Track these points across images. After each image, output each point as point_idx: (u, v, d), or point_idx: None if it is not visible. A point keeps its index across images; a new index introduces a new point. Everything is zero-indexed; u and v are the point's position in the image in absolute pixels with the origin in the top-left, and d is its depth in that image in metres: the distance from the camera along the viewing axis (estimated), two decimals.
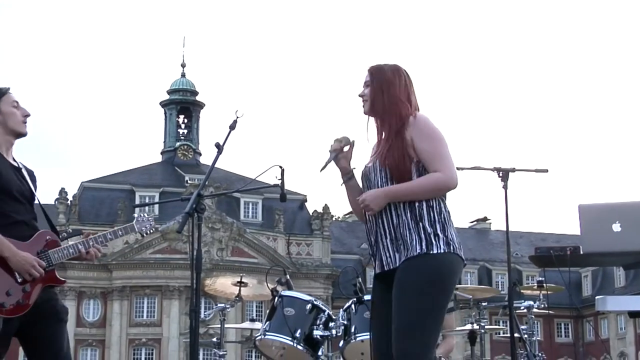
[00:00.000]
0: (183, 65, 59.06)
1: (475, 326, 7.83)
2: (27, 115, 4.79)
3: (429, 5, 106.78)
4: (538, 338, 8.30)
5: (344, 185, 4.32)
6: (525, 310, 8.16)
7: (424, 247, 4.05)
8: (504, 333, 9.53)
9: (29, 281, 4.54)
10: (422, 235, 4.07)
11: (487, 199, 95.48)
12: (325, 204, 53.74)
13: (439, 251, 4.05)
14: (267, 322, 5.96)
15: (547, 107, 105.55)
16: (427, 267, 4.03)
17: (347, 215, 62.46)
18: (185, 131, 57.89)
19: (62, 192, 50.20)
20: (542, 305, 8.24)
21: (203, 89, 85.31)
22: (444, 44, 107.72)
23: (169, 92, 58.40)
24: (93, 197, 51.07)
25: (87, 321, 48.89)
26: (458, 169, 5.48)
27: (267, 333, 5.89)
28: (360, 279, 6.08)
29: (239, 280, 7.13)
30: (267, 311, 6.19)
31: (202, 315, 4.86)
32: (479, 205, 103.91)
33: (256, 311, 44.62)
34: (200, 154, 57.23)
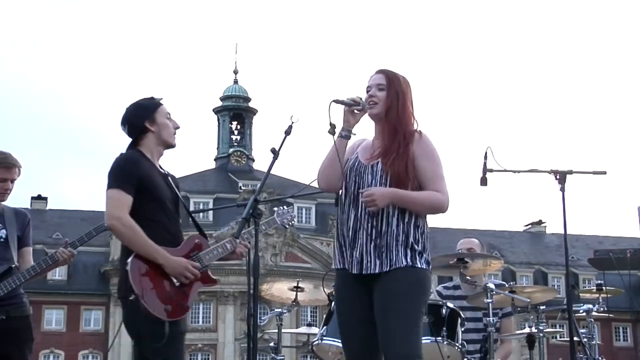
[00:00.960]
0: (235, 72, 59.50)
1: (534, 330, 7.75)
2: (177, 128, 4.92)
3: (483, 3, 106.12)
4: (597, 342, 8.20)
5: (336, 137, 4.27)
6: (584, 314, 8.06)
7: (409, 260, 4.17)
8: (561, 337, 9.42)
9: (186, 284, 4.66)
10: (408, 250, 4.19)
11: (542, 202, 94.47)
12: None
13: (422, 266, 4.19)
14: (324, 327, 5.96)
15: (605, 108, 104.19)
16: (415, 277, 4.17)
17: None
18: (239, 137, 58.25)
19: None
20: (602, 309, 8.13)
21: (255, 95, 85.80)
22: (501, 44, 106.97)
23: (222, 99, 58.83)
24: None
25: None
26: (514, 171, 5.48)
27: (324, 338, 5.89)
28: None
29: (295, 285, 7.14)
30: (324, 316, 6.20)
31: (258, 321, 4.88)
32: (534, 209, 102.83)
33: (311, 316, 44.67)
34: (253, 160, 57.52)
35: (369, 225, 4.18)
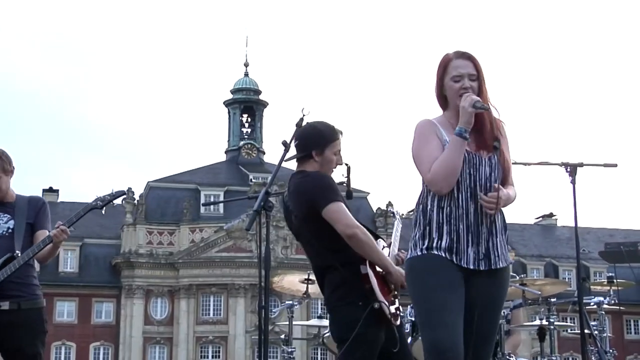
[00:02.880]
0: (246, 65, 59.50)
1: (545, 322, 7.75)
2: (340, 164, 4.92)
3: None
4: (608, 334, 8.19)
5: (462, 139, 3.94)
6: (595, 307, 8.05)
7: (509, 259, 4.15)
8: (572, 329, 9.40)
9: (398, 292, 4.73)
10: (505, 248, 4.13)
11: (553, 194, 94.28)
12: (389, 201, 53.59)
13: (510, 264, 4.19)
14: None
15: (616, 101, 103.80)
16: (508, 279, 4.18)
17: (411, 212, 62.06)
18: (249, 130, 58.28)
19: (129, 191, 50.88)
20: (613, 301, 8.12)
21: (266, 88, 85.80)
22: (511, 36, 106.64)
23: (233, 92, 58.86)
24: (159, 197, 51.72)
25: (155, 319, 49.52)
26: (525, 164, 5.45)
27: None
28: None
29: (306, 277, 7.14)
30: None
31: (269, 313, 4.88)
32: (545, 201, 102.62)
33: (321, 308, 44.70)
34: (264, 153, 57.55)
35: (489, 220, 4.01)
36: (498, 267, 4.02)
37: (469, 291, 3.99)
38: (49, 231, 5.37)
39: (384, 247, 4.83)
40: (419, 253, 4.03)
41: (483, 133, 4.06)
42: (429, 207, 4.07)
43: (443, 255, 3.98)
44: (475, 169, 4.02)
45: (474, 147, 4.05)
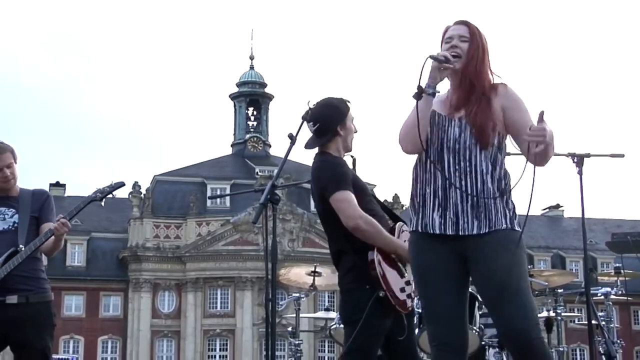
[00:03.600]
0: (252, 58, 59.47)
1: (552, 313, 7.74)
2: (356, 132, 4.95)
3: None
4: (616, 325, 8.18)
5: (423, 95, 3.82)
6: (602, 297, 8.04)
7: (508, 222, 3.87)
8: (579, 320, 9.39)
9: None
10: (506, 211, 3.88)
11: (559, 185, 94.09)
12: (396, 194, 53.59)
13: (518, 229, 3.88)
14: None
15: (622, 91, 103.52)
16: (516, 240, 3.84)
17: None
18: (255, 123, 58.28)
19: (136, 185, 50.95)
20: (620, 292, 8.12)
21: (272, 81, 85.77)
22: (519, 26, 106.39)
23: (238, 85, 58.85)
24: (166, 190, 51.77)
25: (163, 312, 49.62)
26: None
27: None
28: None
29: (313, 270, 7.15)
30: None
31: (276, 306, 4.88)
32: (551, 192, 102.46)
33: (329, 301, 44.76)
34: (270, 146, 57.56)
35: (464, 183, 3.85)
36: (467, 233, 3.82)
37: (470, 267, 3.86)
38: (52, 223, 5.38)
39: (403, 230, 4.77)
40: (412, 228, 3.99)
41: (458, 94, 3.98)
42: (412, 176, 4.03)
43: (417, 229, 3.92)
44: (443, 130, 3.93)
45: (447, 109, 3.97)
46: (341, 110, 4.86)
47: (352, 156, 4.97)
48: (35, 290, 5.31)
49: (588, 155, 6.07)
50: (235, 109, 58.80)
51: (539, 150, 3.69)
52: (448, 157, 3.89)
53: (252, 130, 57.87)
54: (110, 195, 5.43)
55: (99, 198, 5.40)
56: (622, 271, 8.26)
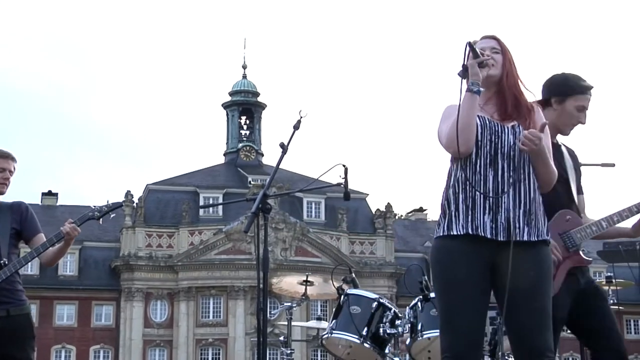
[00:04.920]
0: (244, 67, 59.51)
1: None
2: (581, 123, 4.70)
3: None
4: None
5: (467, 92, 3.83)
6: None
7: (548, 234, 3.94)
8: None
9: (556, 265, 4.42)
10: (546, 222, 3.95)
11: None
12: (388, 202, 53.63)
13: (547, 238, 3.94)
14: (334, 321, 5.98)
15: (613, 100, 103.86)
16: (549, 257, 3.94)
17: (410, 214, 62.17)
18: (248, 132, 58.28)
19: (128, 194, 50.88)
20: (612, 301, 8.13)
21: (264, 90, 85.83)
22: (507, 32, 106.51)
23: (231, 94, 58.87)
24: (158, 199, 51.71)
25: (155, 322, 49.49)
26: None
27: (333, 331, 5.91)
28: (425, 277, 6.04)
29: (305, 279, 7.15)
30: (333, 310, 6.21)
31: (268, 315, 4.88)
32: None
33: (321, 310, 44.70)
34: (262, 155, 57.56)
35: (517, 190, 3.88)
36: (518, 239, 3.81)
37: (499, 275, 3.85)
38: (42, 233, 5.36)
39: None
40: (440, 234, 3.92)
41: (505, 104, 4.00)
42: (451, 182, 3.96)
43: (462, 231, 3.84)
44: (497, 135, 3.92)
45: (496, 117, 3.98)
46: (569, 84, 4.69)
47: (343, 165, 4.97)
48: (15, 303, 5.28)
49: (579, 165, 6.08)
50: (227, 118, 58.79)
51: (523, 149, 3.82)
52: (502, 162, 3.90)
53: (244, 139, 57.86)
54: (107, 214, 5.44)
55: (96, 217, 5.42)
56: (613, 280, 8.29)
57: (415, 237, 55.09)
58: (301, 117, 4.80)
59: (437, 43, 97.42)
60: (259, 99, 59.05)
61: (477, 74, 3.84)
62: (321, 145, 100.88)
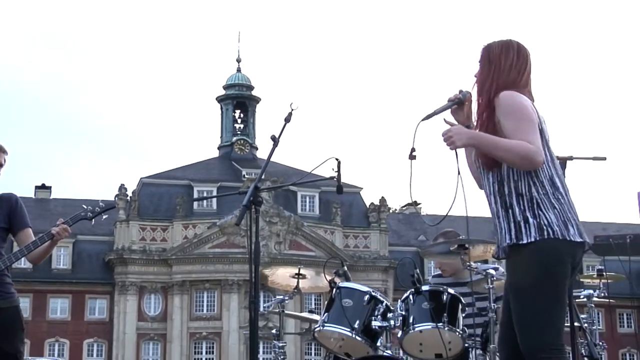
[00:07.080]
0: (238, 61, 59.44)
1: None
2: None
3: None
4: (599, 328, 8.21)
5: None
6: (584, 299, 8.08)
7: (513, 235, 4.14)
8: None
9: None
10: (514, 223, 4.15)
11: None
12: (382, 197, 53.68)
13: (529, 240, 4.11)
14: (326, 314, 5.98)
15: (604, 94, 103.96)
16: (539, 257, 4.14)
17: (404, 207, 62.20)
18: (242, 126, 58.23)
19: (122, 188, 50.85)
20: (602, 294, 8.15)
21: (259, 84, 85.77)
22: (503, 30, 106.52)
23: (225, 88, 58.80)
24: (152, 193, 51.66)
25: (149, 315, 49.50)
26: None
27: (325, 324, 5.91)
28: (418, 270, 6.06)
29: (297, 272, 7.15)
30: (326, 303, 6.22)
31: (260, 308, 4.89)
32: None
33: (314, 303, 44.76)
34: (256, 149, 57.52)
35: (503, 196, 4.19)
36: (504, 244, 4.17)
37: None
38: (31, 227, 5.33)
39: None
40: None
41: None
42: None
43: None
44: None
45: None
46: None
47: (336, 159, 4.98)
48: (4, 296, 5.24)
49: (571, 158, 6.09)
50: (222, 112, 58.73)
51: (452, 149, 4.03)
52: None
53: (239, 132, 57.82)
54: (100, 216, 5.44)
55: (89, 217, 5.41)
56: (604, 274, 8.29)
57: (409, 231, 55.13)
58: (292, 110, 4.81)
59: (430, 35, 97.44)
60: (253, 92, 59.01)
61: (458, 120, 4.18)
62: (317, 139, 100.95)
